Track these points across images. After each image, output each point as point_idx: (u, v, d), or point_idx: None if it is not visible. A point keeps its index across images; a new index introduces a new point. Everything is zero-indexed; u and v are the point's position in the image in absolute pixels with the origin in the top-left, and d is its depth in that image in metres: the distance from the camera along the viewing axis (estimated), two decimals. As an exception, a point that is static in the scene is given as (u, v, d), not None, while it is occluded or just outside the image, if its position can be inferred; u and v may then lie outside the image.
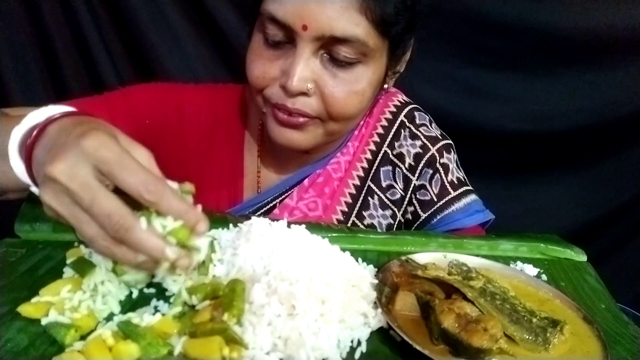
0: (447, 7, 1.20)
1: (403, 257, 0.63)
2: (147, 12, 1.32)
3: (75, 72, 1.37)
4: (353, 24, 0.67)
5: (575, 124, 1.30)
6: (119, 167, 0.45)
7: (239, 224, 0.63)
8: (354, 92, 0.73)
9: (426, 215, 0.86)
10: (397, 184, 0.87)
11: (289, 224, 0.63)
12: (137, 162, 0.46)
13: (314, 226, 0.69)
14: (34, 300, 0.50)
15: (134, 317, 0.49)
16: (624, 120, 1.28)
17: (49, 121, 0.52)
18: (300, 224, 0.65)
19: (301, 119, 0.73)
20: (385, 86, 0.82)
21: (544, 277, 0.67)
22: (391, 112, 0.89)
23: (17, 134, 0.53)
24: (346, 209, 0.86)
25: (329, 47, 0.69)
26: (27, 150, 0.51)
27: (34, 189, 0.52)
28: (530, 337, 0.52)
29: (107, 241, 0.45)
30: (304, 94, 0.71)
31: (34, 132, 0.51)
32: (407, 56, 0.82)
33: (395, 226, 0.88)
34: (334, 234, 0.69)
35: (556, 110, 1.30)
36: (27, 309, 0.49)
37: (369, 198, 0.87)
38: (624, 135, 1.31)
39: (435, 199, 0.85)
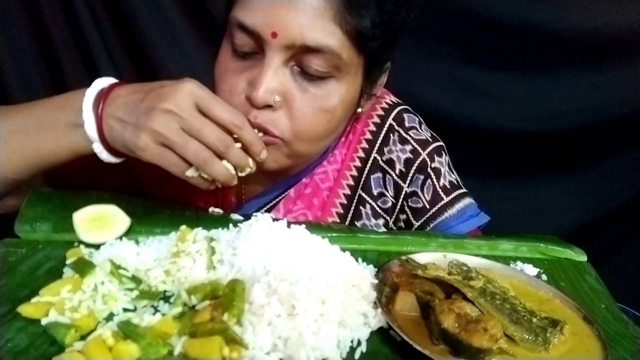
0: (447, 7, 1.20)
1: (403, 257, 0.63)
2: (147, 12, 1.32)
3: (75, 72, 1.37)
4: (326, 34, 0.63)
5: (575, 124, 1.30)
6: (214, 102, 0.60)
7: (239, 224, 0.63)
8: (323, 109, 0.68)
9: (419, 223, 0.82)
10: (387, 191, 0.83)
11: (289, 224, 0.63)
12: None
13: (314, 226, 0.69)
14: (33, 300, 0.50)
15: (134, 317, 0.49)
16: (624, 120, 1.28)
17: (112, 86, 0.63)
18: (300, 224, 0.65)
19: (264, 138, 0.67)
20: (359, 110, 0.77)
21: (544, 277, 0.67)
22: (379, 116, 0.84)
23: (91, 95, 0.62)
24: (338, 220, 0.82)
25: (300, 58, 0.65)
26: (98, 108, 0.61)
27: (96, 144, 0.62)
28: (530, 337, 0.52)
29: (208, 154, 0.59)
30: (270, 107, 0.66)
31: (103, 94, 0.62)
32: (384, 79, 0.78)
33: None
34: (334, 234, 0.69)
35: (556, 110, 1.30)
36: (27, 309, 0.49)
37: (361, 207, 0.83)
38: (624, 135, 1.31)
39: (428, 206, 0.81)
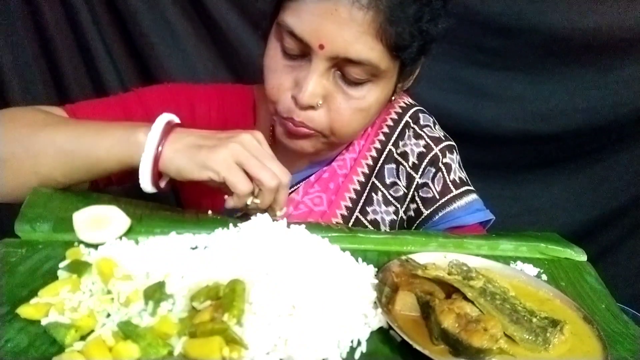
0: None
1: (403, 257, 0.63)
2: (147, 12, 1.32)
3: (75, 72, 1.37)
4: (368, 48, 0.69)
5: (575, 124, 1.30)
6: (271, 155, 0.68)
7: (239, 224, 0.63)
8: (359, 109, 0.75)
9: (428, 212, 0.87)
10: (400, 181, 0.89)
11: (288, 224, 0.63)
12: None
13: (314, 226, 0.69)
14: (33, 301, 0.50)
15: (134, 317, 0.49)
16: (624, 120, 1.28)
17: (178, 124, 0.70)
18: (300, 224, 0.65)
19: (305, 130, 0.76)
20: (393, 98, 0.83)
21: (544, 277, 0.67)
22: (397, 113, 0.91)
23: (164, 118, 0.68)
24: (350, 205, 0.88)
25: (342, 66, 0.71)
26: (167, 130, 0.66)
27: (146, 157, 0.65)
28: (530, 337, 0.52)
29: (276, 183, 0.65)
30: (312, 107, 0.74)
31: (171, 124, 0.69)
32: (416, 73, 0.83)
33: (398, 222, 0.89)
34: (334, 234, 0.69)
35: (556, 110, 1.30)
36: (26, 311, 0.49)
37: (373, 194, 0.89)
38: (624, 135, 1.31)
39: (438, 197, 0.87)
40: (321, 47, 0.68)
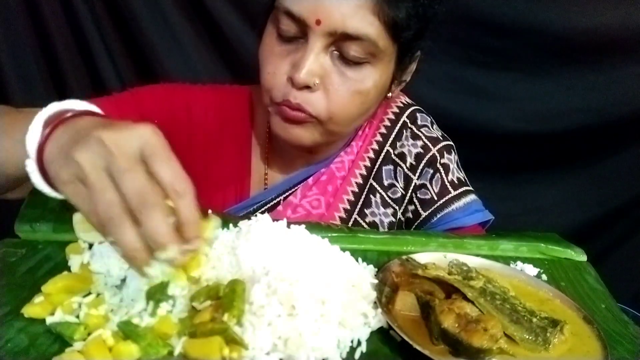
0: (447, 7, 1.20)
1: (403, 257, 0.63)
2: (147, 12, 1.32)
3: (75, 72, 1.37)
4: (366, 23, 0.68)
5: (575, 124, 1.30)
6: (162, 156, 0.46)
7: (239, 224, 0.63)
8: (357, 92, 0.73)
9: (426, 213, 0.86)
10: (398, 182, 0.88)
11: (288, 224, 0.63)
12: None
13: (314, 226, 0.69)
14: (37, 300, 0.50)
15: (134, 317, 0.49)
16: (624, 120, 1.28)
17: (79, 114, 0.53)
18: (300, 224, 0.65)
19: (302, 115, 0.74)
20: (389, 94, 0.82)
21: (544, 277, 0.67)
22: (394, 113, 0.90)
23: (48, 111, 0.53)
24: (349, 207, 0.87)
25: (340, 44, 0.70)
26: (52, 127, 0.51)
27: (30, 162, 0.51)
28: (530, 337, 0.52)
29: (118, 211, 0.44)
30: (309, 88, 0.71)
31: (67, 115, 0.52)
32: (413, 67, 0.83)
33: (396, 224, 0.89)
34: (334, 234, 0.69)
35: (556, 110, 1.30)
36: (32, 310, 0.49)
37: (371, 196, 0.88)
38: (624, 135, 1.31)
39: (436, 198, 0.86)
40: (318, 22, 0.67)
